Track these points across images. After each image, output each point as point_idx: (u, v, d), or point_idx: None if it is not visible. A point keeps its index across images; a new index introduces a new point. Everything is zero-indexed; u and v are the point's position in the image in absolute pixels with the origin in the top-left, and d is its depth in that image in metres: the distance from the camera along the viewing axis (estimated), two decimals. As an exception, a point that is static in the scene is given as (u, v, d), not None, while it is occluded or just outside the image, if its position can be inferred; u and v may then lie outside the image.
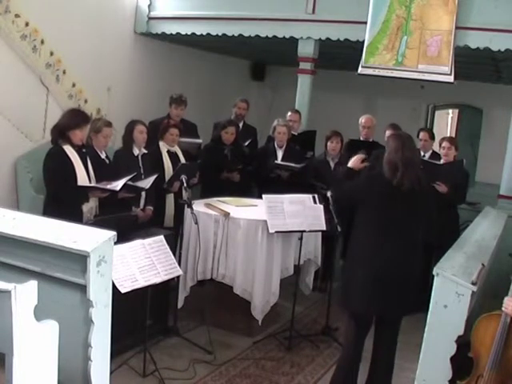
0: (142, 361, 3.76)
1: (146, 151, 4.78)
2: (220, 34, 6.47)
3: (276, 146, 5.69)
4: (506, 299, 2.64)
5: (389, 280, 3.26)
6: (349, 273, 3.43)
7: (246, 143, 6.00)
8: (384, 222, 3.27)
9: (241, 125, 6.11)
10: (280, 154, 5.67)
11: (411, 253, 3.33)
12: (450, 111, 9.94)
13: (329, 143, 5.51)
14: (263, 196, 4.31)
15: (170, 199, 4.91)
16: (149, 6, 6.87)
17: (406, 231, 3.31)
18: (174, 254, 3.98)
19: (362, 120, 6.06)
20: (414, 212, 3.33)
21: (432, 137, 5.77)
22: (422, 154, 5.71)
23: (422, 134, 5.77)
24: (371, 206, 3.29)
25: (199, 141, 5.87)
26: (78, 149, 4.16)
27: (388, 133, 5.40)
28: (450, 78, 5.44)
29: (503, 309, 2.64)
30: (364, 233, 3.32)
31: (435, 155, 5.49)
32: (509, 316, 2.63)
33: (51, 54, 5.84)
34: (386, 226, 3.27)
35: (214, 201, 4.75)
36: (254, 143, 6.36)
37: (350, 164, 3.73)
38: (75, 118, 4.16)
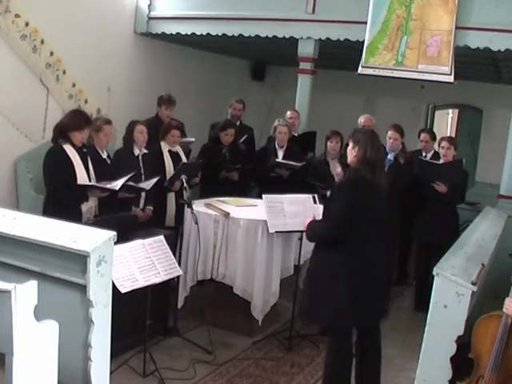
0: (141, 361, 3.75)
1: (146, 151, 4.79)
2: (220, 34, 6.47)
3: (277, 145, 5.69)
4: (506, 300, 2.64)
5: (381, 281, 3.26)
6: (338, 280, 3.17)
7: (242, 139, 5.99)
8: (373, 222, 3.24)
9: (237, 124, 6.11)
10: (281, 153, 5.66)
11: (384, 252, 3.34)
12: (450, 111, 9.94)
13: (328, 143, 5.51)
14: (263, 196, 4.31)
15: (171, 199, 4.91)
16: (149, 5, 6.88)
17: (383, 230, 3.31)
18: (174, 254, 3.98)
19: (362, 120, 6.06)
20: (384, 208, 3.32)
21: (433, 137, 5.77)
22: (424, 154, 5.71)
23: (423, 135, 5.76)
24: (361, 212, 3.17)
25: (192, 139, 5.85)
26: (79, 148, 4.17)
27: (391, 133, 5.40)
28: (450, 78, 5.44)
29: (504, 310, 2.63)
30: (360, 242, 3.19)
31: (437, 155, 5.48)
32: (510, 317, 2.63)
33: (51, 54, 5.84)
34: (374, 225, 3.25)
35: (213, 201, 4.75)
36: (251, 142, 6.36)
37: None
38: (76, 119, 4.16)
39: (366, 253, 3.21)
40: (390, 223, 3.37)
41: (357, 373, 3.45)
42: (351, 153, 3.29)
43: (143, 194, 4.68)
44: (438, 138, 5.79)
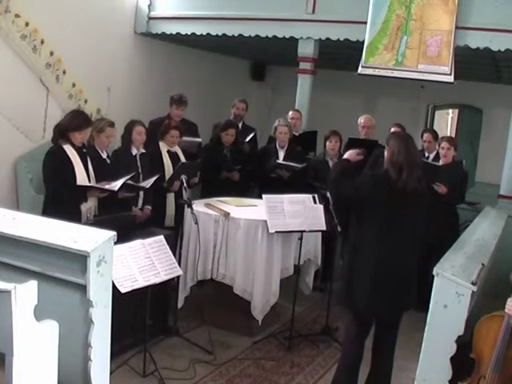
0: (142, 361, 3.75)
1: (144, 151, 4.78)
2: (220, 34, 6.47)
3: (277, 146, 5.69)
4: (508, 300, 2.63)
5: (398, 281, 3.27)
6: (355, 274, 3.32)
7: (248, 138, 6.00)
8: (392, 223, 3.26)
9: (240, 125, 6.11)
10: (281, 154, 5.66)
11: (413, 252, 3.36)
12: (450, 111, 9.94)
13: (328, 143, 5.51)
14: (263, 196, 4.30)
15: (170, 199, 4.90)
16: (149, 6, 6.88)
17: (410, 231, 3.33)
18: (174, 254, 3.98)
19: (362, 120, 6.06)
20: (416, 212, 3.35)
21: (436, 137, 5.73)
22: (427, 155, 5.68)
23: (425, 136, 5.73)
24: (379, 207, 3.24)
25: (199, 140, 5.86)
26: (79, 148, 4.17)
27: (394, 131, 5.39)
28: (450, 78, 5.44)
29: (506, 310, 2.62)
30: (372, 234, 3.27)
31: (439, 156, 5.46)
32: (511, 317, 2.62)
33: (51, 54, 5.84)
34: (394, 226, 3.26)
35: (213, 201, 4.75)
36: (254, 143, 6.37)
37: (346, 155, 3.62)
38: (76, 120, 4.16)
39: (383, 249, 3.24)
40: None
41: (370, 370, 3.54)
42: (385, 155, 3.39)
43: (141, 194, 4.68)
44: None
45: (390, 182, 3.23)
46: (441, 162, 5.19)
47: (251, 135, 6.15)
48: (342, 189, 3.46)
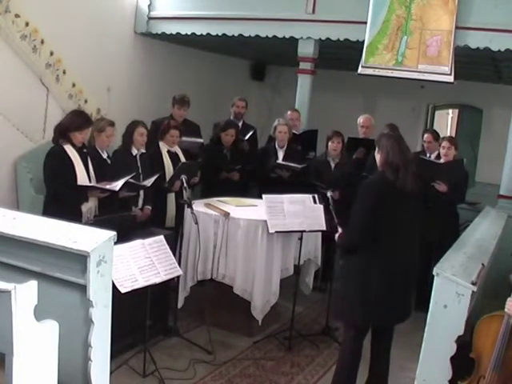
0: (141, 361, 3.75)
1: (144, 151, 4.78)
2: (220, 34, 6.47)
3: (277, 145, 5.69)
4: (508, 300, 2.63)
5: (402, 286, 3.26)
6: (357, 282, 3.26)
7: (247, 137, 6.01)
8: (394, 226, 3.22)
9: (240, 124, 6.11)
10: (281, 154, 5.66)
11: (415, 254, 3.34)
12: (450, 111, 9.95)
13: (330, 143, 5.50)
14: (263, 196, 4.30)
15: (171, 199, 4.90)
16: (149, 6, 6.88)
17: (411, 232, 3.31)
18: (174, 254, 3.98)
19: (361, 120, 6.06)
20: (416, 211, 3.34)
21: (436, 138, 5.73)
22: (428, 155, 5.68)
23: (426, 136, 5.72)
24: (381, 212, 3.20)
25: (200, 140, 5.86)
26: (79, 148, 4.17)
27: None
28: (450, 78, 5.44)
29: (506, 310, 2.63)
30: (379, 241, 3.20)
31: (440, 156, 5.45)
32: (511, 317, 2.62)
33: (51, 53, 5.84)
34: (396, 229, 3.22)
35: (213, 201, 4.75)
36: (254, 141, 6.36)
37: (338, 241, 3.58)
38: (76, 119, 4.17)
39: (384, 253, 3.21)
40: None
41: (369, 374, 3.55)
42: (377, 157, 3.38)
43: (141, 194, 4.68)
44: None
45: (388, 183, 3.21)
46: (441, 161, 5.19)
47: (250, 133, 6.14)
48: (359, 226, 3.28)
